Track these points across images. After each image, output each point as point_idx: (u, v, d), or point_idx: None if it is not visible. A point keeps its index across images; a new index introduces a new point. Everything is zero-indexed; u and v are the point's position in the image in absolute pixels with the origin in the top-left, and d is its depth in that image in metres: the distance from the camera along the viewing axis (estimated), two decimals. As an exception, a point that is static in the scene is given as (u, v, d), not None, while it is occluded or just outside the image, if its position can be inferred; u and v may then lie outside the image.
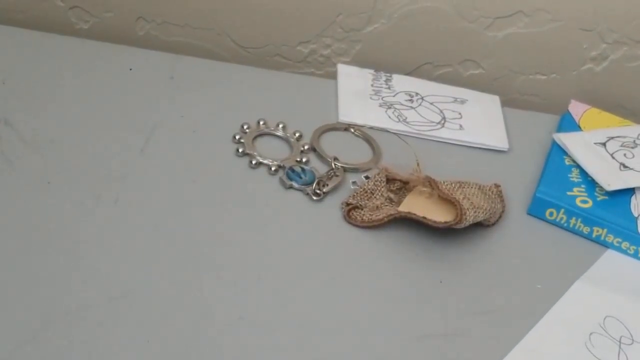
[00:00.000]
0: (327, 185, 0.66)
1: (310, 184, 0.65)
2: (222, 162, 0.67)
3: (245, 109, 0.72)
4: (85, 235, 0.58)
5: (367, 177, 0.67)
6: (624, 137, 0.72)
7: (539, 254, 0.65)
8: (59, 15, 0.82)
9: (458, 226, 0.60)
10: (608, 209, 0.66)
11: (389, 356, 0.55)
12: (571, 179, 0.68)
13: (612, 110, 0.77)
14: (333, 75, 0.79)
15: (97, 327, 0.52)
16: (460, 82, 0.82)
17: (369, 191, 0.65)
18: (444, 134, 0.73)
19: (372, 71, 0.79)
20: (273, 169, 0.66)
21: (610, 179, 0.67)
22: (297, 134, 0.70)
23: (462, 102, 0.77)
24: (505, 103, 0.79)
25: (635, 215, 0.66)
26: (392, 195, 0.66)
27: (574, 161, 0.70)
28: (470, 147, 0.73)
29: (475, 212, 0.61)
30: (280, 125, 0.71)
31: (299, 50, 0.84)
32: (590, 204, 0.66)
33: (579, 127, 0.74)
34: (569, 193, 0.67)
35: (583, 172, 0.69)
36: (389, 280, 0.60)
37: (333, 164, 0.68)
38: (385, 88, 0.77)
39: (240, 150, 0.67)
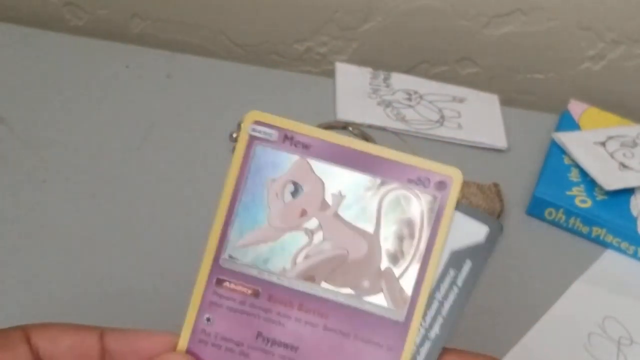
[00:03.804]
0: (325, 184, 0.65)
1: (308, 183, 0.65)
2: (219, 161, 0.66)
3: (242, 107, 0.71)
4: (81, 233, 0.58)
5: (365, 176, 0.66)
6: (624, 136, 0.72)
7: (537, 254, 0.65)
8: (53, 12, 0.81)
9: (457, 226, 0.60)
10: (607, 208, 0.66)
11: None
12: (570, 178, 0.68)
13: (610, 109, 0.77)
14: (330, 74, 0.79)
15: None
16: (458, 81, 0.82)
17: (367, 190, 0.65)
18: (443, 132, 0.73)
19: (370, 69, 0.79)
20: (270, 167, 0.66)
21: (610, 179, 0.67)
22: (294, 133, 0.70)
23: (461, 100, 0.77)
24: (503, 102, 0.79)
25: (635, 215, 0.65)
26: (390, 195, 0.65)
27: (573, 161, 0.70)
28: (469, 146, 0.73)
29: (474, 211, 0.61)
30: (278, 124, 0.70)
31: (295, 48, 0.83)
32: (589, 203, 0.66)
33: (579, 126, 0.74)
34: (568, 193, 0.67)
35: (582, 172, 0.68)
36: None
37: (331, 163, 0.67)
38: (384, 86, 0.77)
39: (237, 148, 0.67)
